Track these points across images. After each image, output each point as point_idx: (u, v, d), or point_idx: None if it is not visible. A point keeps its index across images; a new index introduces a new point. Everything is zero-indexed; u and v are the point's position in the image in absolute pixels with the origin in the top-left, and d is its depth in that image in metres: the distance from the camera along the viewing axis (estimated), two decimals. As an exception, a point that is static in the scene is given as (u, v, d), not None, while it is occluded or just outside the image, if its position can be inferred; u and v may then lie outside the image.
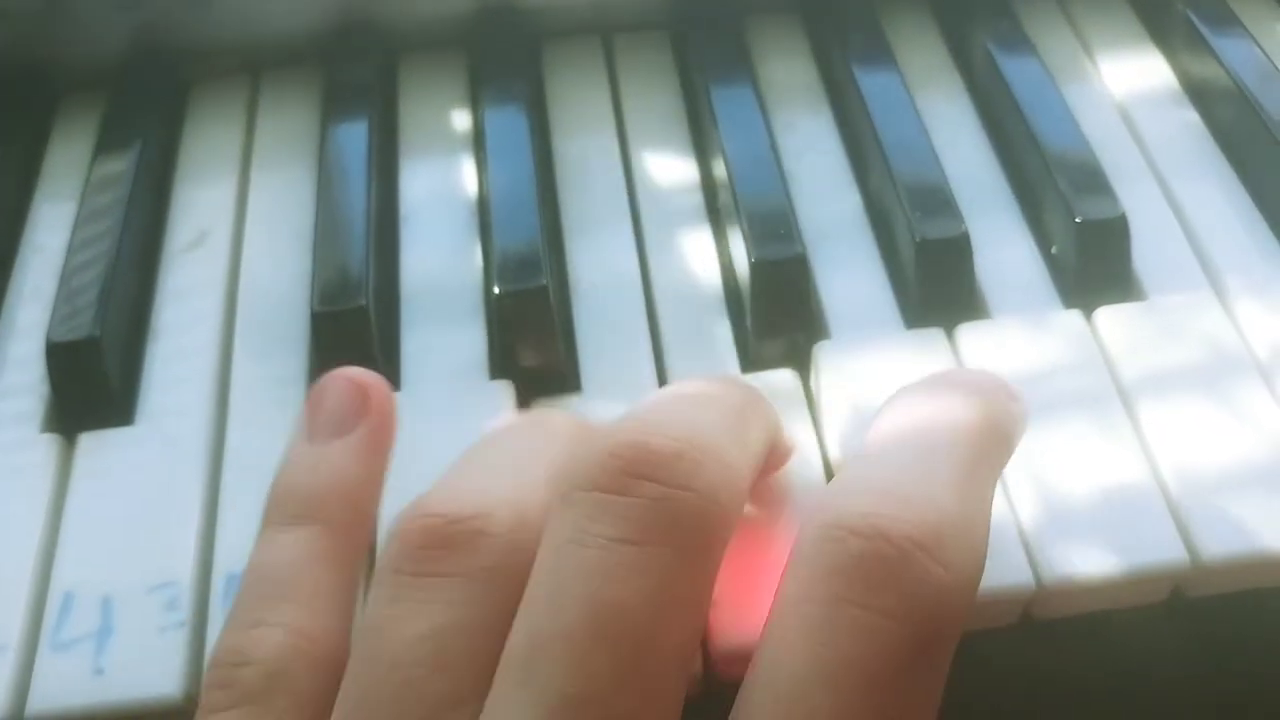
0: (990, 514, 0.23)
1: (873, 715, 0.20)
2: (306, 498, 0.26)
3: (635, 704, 0.20)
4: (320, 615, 0.24)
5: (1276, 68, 0.37)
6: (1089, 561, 0.27)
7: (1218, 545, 0.27)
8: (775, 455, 0.27)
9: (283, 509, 0.26)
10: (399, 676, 0.21)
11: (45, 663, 0.27)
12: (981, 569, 0.22)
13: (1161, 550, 0.28)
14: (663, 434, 0.22)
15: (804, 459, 0.29)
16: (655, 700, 0.21)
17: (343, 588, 0.25)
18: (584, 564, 0.21)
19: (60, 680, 0.27)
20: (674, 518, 0.21)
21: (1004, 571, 0.27)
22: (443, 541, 0.22)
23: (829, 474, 0.30)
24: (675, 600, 0.21)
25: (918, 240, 0.33)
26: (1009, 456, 0.25)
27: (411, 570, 0.22)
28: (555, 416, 0.28)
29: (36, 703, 0.27)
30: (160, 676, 0.27)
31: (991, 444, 0.24)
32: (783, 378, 0.32)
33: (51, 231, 0.38)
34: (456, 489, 0.24)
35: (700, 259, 0.35)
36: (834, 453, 0.30)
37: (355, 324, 0.32)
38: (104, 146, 0.39)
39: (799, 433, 0.30)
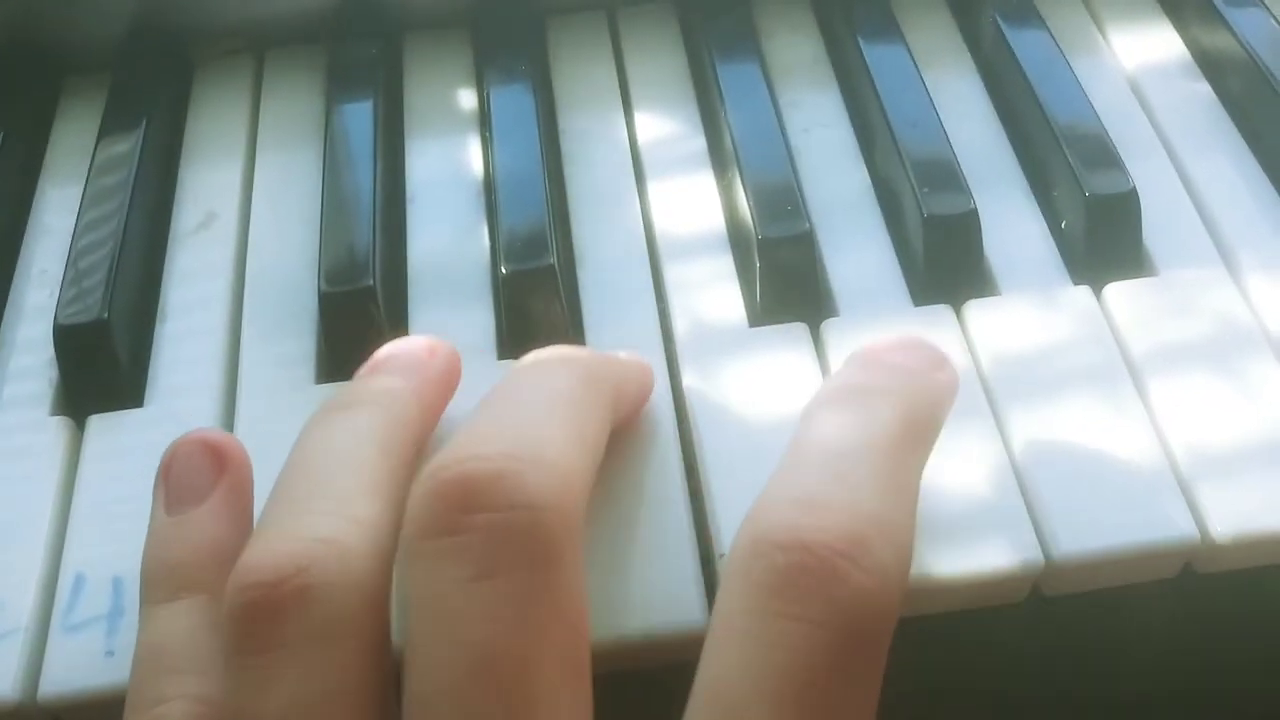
0: (915, 503, 0.24)
1: (809, 719, 0.20)
2: (177, 567, 0.25)
3: None
4: (218, 681, 0.23)
5: (1289, 38, 0.37)
6: (1099, 538, 0.27)
7: (1228, 522, 0.27)
8: (629, 393, 0.28)
9: (157, 585, 0.25)
10: None
11: (57, 644, 0.27)
12: (908, 564, 0.23)
13: (1172, 527, 0.27)
14: (479, 455, 0.22)
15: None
16: (560, 714, 0.21)
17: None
18: (444, 614, 0.21)
19: (72, 662, 0.27)
20: (511, 540, 0.21)
21: (1013, 549, 0.27)
22: (271, 612, 0.22)
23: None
24: (542, 617, 0.21)
25: (926, 216, 0.32)
26: (935, 433, 0.26)
27: (253, 650, 0.22)
28: (362, 400, 0.27)
29: (48, 685, 0.27)
30: (171, 658, 0.27)
31: (912, 433, 0.25)
32: (794, 329, 0.32)
33: (58, 214, 0.38)
34: (269, 542, 0.23)
35: (708, 234, 0.35)
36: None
37: (362, 304, 0.32)
38: (109, 128, 0.39)
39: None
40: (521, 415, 0.24)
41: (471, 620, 0.21)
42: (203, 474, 0.26)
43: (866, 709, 0.22)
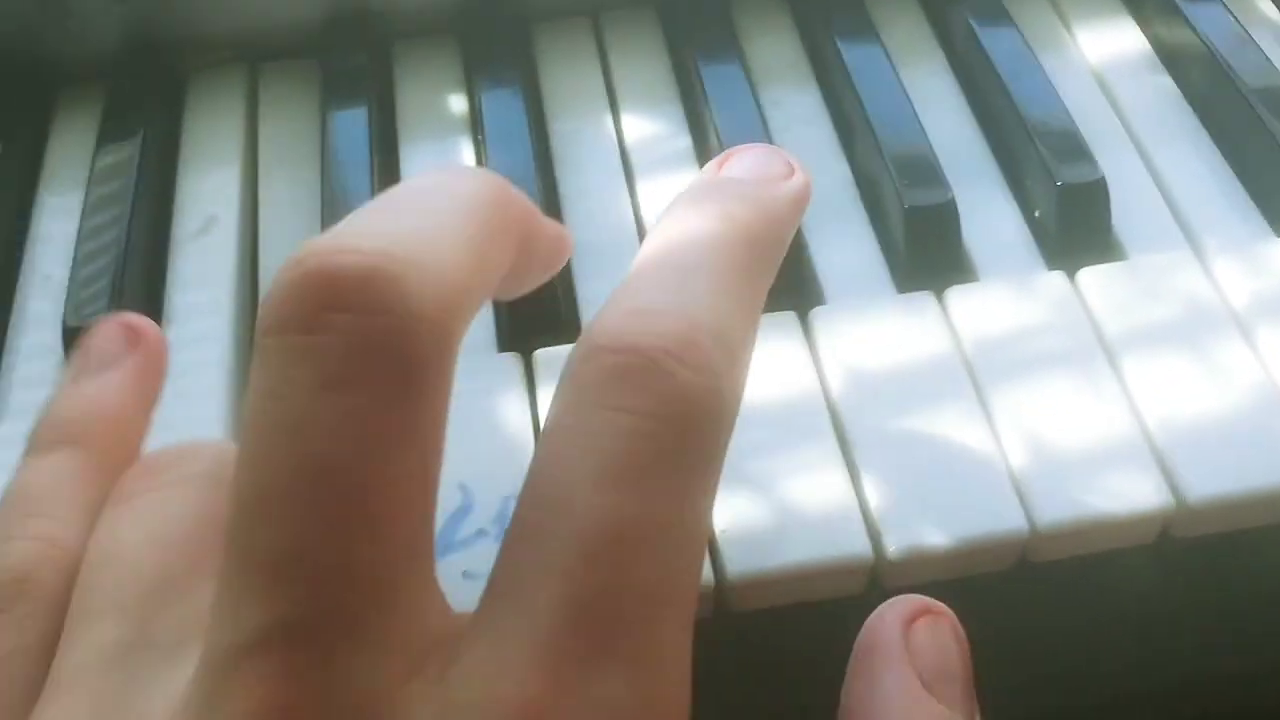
0: (757, 316, 0.23)
1: (642, 504, 0.20)
2: (63, 423, 0.25)
3: (357, 551, 0.19)
4: (71, 525, 0.23)
5: (1246, 31, 0.39)
6: (1082, 506, 0.29)
7: (1202, 487, 0.29)
8: (539, 245, 0.25)
9: (40, 437, 0.25)
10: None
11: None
12: (742, 370, 0.22)
13: (1150, 495, 0.29)
14: (353, 250, 0.19)
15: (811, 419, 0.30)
16: (383, 542, 0.19)
17: (96, 503, 0.24)
18: (284, 418, 0.19)
19: None
20: (372, 349, 0.19)
21: (998, 518, 0.29)
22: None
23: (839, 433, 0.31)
24: (389, 439, 0.19)
25: (906, 207, 0.34)
26: (780, 246, 0.25)
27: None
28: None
29: None
30: None
31: (752, 248, 0.24)
32: (783, 318, 0.33)
33: (58, 221, 0.38)
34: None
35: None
36: (842, 414, 0.31)
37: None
38: (106, 137, 0.40)
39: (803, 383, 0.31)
40: (415, 210, 0.21)
41: (313, 431, 0.19)
42: (115, 348, 0.26)
43: (690, 503, 0.20)
